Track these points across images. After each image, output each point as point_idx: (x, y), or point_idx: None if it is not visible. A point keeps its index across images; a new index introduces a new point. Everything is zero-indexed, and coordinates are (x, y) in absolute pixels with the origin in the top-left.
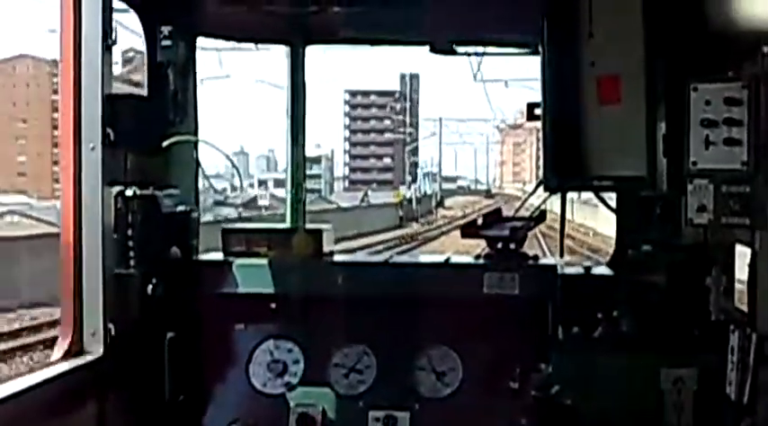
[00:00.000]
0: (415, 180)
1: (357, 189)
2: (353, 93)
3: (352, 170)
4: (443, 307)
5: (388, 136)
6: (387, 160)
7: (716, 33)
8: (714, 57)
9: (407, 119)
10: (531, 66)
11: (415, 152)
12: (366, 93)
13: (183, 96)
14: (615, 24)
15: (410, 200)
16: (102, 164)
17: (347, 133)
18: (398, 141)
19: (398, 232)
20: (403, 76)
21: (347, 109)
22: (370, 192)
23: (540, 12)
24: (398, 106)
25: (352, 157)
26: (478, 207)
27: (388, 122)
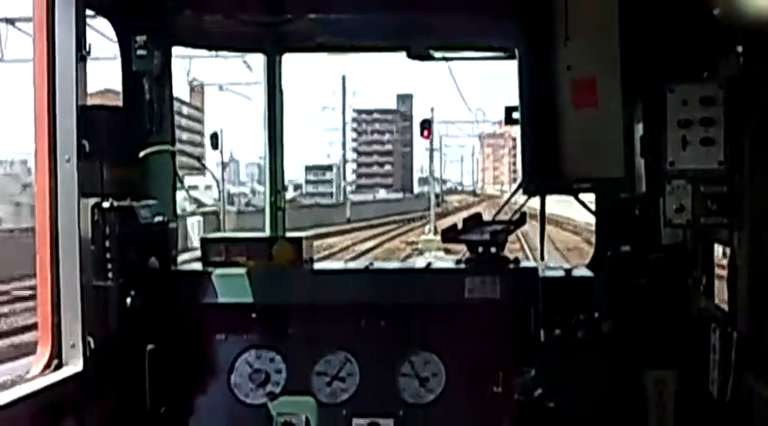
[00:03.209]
0: (411, 183)
1: (362, 192)
2: (359, 112)
3: (359, 176)
4: (425, 313)
5: (387, 147)
6: (387, 167)
7: (691, 34)
8: (689, 58)
9: (400, 134)
10: (510, 74)
11: (410, 160)
12: (369, 112)
13: (159, 106)
14: (591, 28)
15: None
16: (78, 176)
17: (355, 145)
18: (396, 151)
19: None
20: (399, 96)
21: (354, 124)
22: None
23: (516, 16)
24: (397, 123)
25: (359, 165)
26: (469, 201)
27: (387, 136)
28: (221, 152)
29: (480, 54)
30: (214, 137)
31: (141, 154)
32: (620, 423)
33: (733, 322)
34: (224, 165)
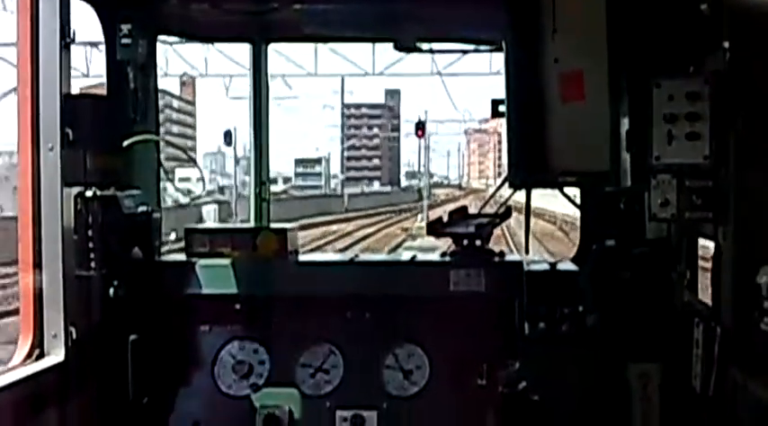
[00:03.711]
0: (398, 177)
1: (353, 184)
2: (348, 106)
3: (348, 169)
4: (410, 305)
5: (375, 141)
6: (375, 160)
7: (678, 29)
8: (676, 53)
9: (389, 127)
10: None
11: (398, 154)
12: (358, 106)
13: (143, 95)
14: (579, 21)
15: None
16: (61, 165)
17: (343, 137)
18: (384, 145)
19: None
20: (387, 91)
21: (344, 119)
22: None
23: (504, 9)
24: (383, 117)
25: (348, 159)
26: (455, 194)
27: (376, 130)
28: (234, 148)
29: (468, 47)
30: (228, 135)
31: (125, 143)
32: (605, 416)
33: (717, 316)
34: (237, 160)
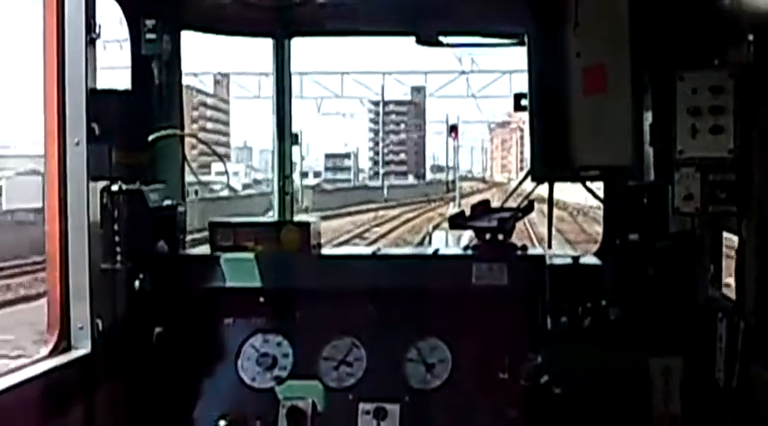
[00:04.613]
0: (424, 171)
1: (377, 178)
2: (375, 103)
3: (375, 163)
4: (432, 299)
5: (401, 136)
6: (402, 155)
7: (702, 22)
8: (700, 46)
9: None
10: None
11: (423, 149)
12: (386, 103)
13: (168, 90)
14: (601, 14)
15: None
16: (88, 159)
17: (371, 134)
18: (410, 140)
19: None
20: (413, 88)
21: (371, 115)
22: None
23: (525, 2)
24: (409, 113)
25: (375, 153)
26: (479, 187)
27: (402, 125)
28: (300, 147)
29: (490, 40)
30: (295, 137)
31: (150, 138)
32: (627, 410)
33: (740, 311)
34: (302, 157)
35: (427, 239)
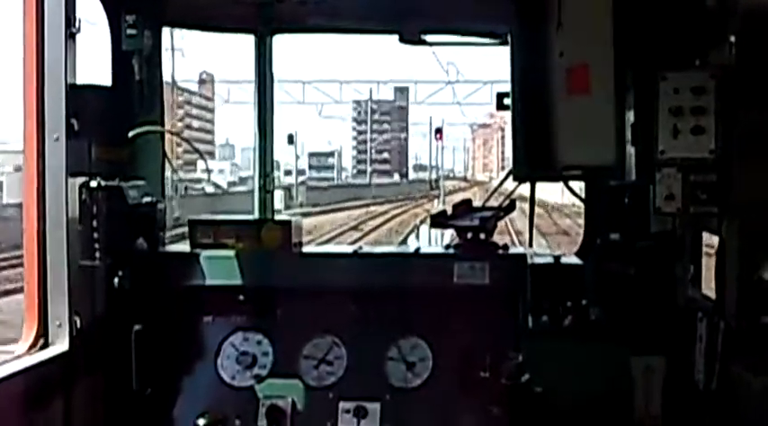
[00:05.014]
0: (407, 170)
1: (363, 176)
2: (358, 102)
3: (359, 161)
4: (414, 297)
5: (386, 136)
6: (385, 154)
7: (684, 23)
8: (682, 47)
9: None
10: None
11: (406, 149)
12: (372, 103)
13: (148, 86)
14: (584, 14)
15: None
16: (67, 155)
17: (354, 133)
18: (394, 139)
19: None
20: (396, 88)
21: (354, 114)
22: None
23: (509, 1)
24: (392, 113)
25: (359, 152)
26: (461, 186)
27: (386, 125)
28: (295, 147)
29: (473, 39)
30: (290, 137)
31: (130, 134)
32: (608, 409)
33: (720, 311)
34: (297, 156)
35: (415, 232)
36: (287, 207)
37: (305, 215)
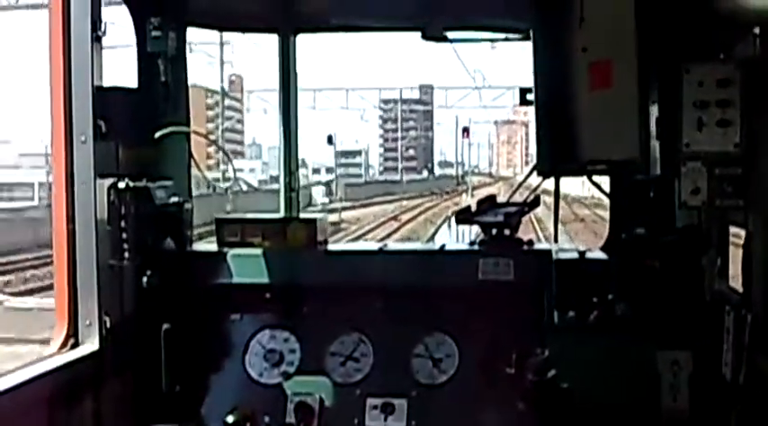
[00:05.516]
0: (432, 166)
1: (389, 173)
2: (386, 101)
3: (386, 159)
4: (439, 294)
5: (411, 133)
6: (411, 151)
7: (707, 15)
8: (706, 39)
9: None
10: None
11: (431, 146)
12: (395, 101)
13: (174, 87)
14: (606, 9)
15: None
16: (94, 157)
17: (381, 131)
18: (420, 136)
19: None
20: (421, 87)
21: (381, 113)
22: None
23: None
24: (417, 111)
25: (386, 150)
26: (486, 181)
27: (412, 123)
28: (335, 147)
29: (496, 35)
30: (329, 138)
31: (156, 135)
32: (634, 405)
33: (747, 304)
34: (336, 155)
35: (447, 222)
36: (329, 201)
37: (345, 208)
